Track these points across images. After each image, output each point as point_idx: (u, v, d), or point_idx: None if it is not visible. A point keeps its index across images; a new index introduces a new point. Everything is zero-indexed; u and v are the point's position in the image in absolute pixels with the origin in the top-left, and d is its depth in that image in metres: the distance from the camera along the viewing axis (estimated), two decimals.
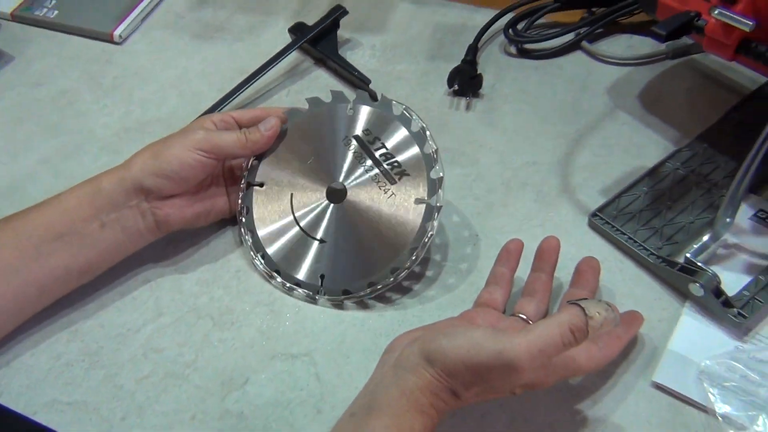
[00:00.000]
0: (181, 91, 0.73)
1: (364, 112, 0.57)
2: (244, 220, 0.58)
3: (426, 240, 0.53)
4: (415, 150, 0.55)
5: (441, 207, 0.54)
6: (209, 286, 0.57)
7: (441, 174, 0.54)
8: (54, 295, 0.54)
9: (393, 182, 0.55)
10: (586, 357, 0.44)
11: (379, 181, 0.56)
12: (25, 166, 0.67)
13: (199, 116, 0.66)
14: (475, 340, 0.41)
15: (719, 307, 0.50)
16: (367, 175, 0.56)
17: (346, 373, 0.51)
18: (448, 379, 0.41)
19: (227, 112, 0.60)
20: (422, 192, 0.54)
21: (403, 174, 0.55)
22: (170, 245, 0.59)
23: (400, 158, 0.56)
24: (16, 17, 0.83)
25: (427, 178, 0.54)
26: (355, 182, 0.56)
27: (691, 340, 0.50)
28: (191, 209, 0.57)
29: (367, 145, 0.57)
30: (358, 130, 0.57)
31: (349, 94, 0.59)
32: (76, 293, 0.55)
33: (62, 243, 0.52)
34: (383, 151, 0.56)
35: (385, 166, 0.56)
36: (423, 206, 0.54)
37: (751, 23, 0.44)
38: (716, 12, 0.45)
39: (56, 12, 0.83)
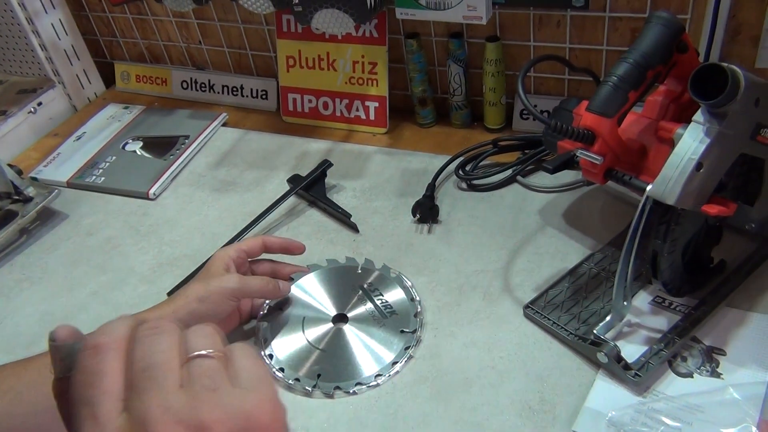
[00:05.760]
0: (203, 233, 0.92)
1: (369, 272, 0.79)
2: (261, 330, 0.74)
3: (405, 358, 0.70)
4: (403, 298, 0.75)
5: (420, 337, 0.72)
6: None
7: (421, 318, 0.74)
8: None
9: (385, 317, 0.74)
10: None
11: (374, 316, 0.74)
12: (79, 298, 0.84)
13: (218, 249, 0.83)
14: None
15: (620, 370, 0.64)
16: (366, 312, 0.75)
17: None
18: None
19: (240, 247, 0.76)
20: (406, 326, 0.73)
21: (393, 313, 0.74)
22: None
23: (392, 303, 0.75)
24: (71, 184, 1.04)
25: (410, 318, 0.73)
26: (356, 314, 0.74)
27: (603, 398, 0.64)
28: (224, 330, 0.72)
29: (369, 293, 0.76)
30: (364, 283, 0.77)
31: (358, 257, 0.81)
32: None
33: None
34: (381, 297, 0.76)
35: (380, 307, 0.75)
36: (407, 334, 0.72)
37: (599, 158, 0.62)
38: (579, 152, 0.64)
39: (103, 178, 1.04)
